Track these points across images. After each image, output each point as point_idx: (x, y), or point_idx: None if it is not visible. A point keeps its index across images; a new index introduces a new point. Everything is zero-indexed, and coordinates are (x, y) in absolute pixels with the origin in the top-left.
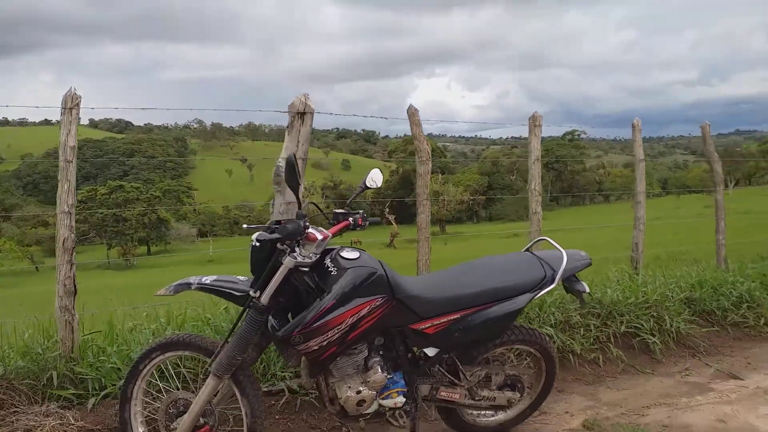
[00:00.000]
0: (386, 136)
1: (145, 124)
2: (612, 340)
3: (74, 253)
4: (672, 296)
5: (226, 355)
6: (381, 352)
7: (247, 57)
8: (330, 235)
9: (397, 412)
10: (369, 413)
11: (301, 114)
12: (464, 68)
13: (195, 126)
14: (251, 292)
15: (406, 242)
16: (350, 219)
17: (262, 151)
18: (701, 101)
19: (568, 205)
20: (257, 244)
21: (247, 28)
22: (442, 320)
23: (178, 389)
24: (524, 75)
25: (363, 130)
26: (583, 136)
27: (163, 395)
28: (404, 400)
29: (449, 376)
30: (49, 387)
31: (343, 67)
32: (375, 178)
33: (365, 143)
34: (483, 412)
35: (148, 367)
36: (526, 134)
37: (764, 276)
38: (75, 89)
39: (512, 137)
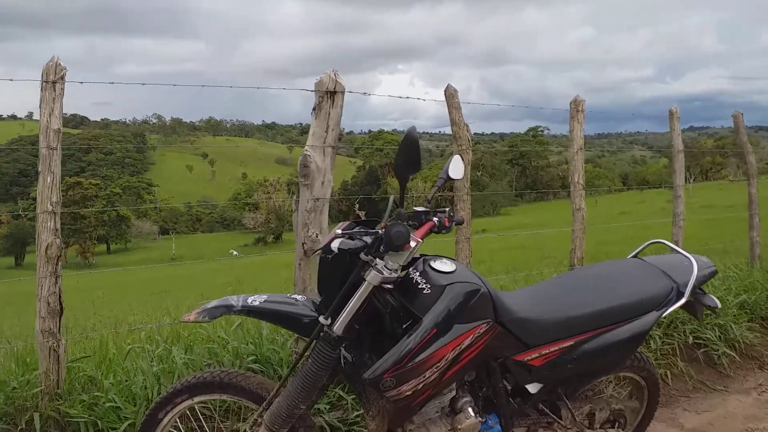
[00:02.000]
0: (350, 132)
1: (101, 119)
2: (677, 353)
3: (59, 264)
4: (728, 301)
5: (285, 403)
6: (471, 390)
7: (203, 52)
8: (420, 241)
9: None
10: None
11: (332, 93)
12: (426, 64)
13: (154, 121)
14: (321, 319)
15: None
16: (435, 219)
17: (224, 147)
18: (656, 98)
19: (532, 201)
20: (326, 256)
21: (203, 23)
22: (553, 348)
23: None
24: (485, 72)
25: None
26: (546, 132)
27: None
28: None
29: (553, 416)
30: None
31: (304, 63)
32: (458, 165)
33: None
34: None
35: (170, 416)
36: (488, 130)
37: None
38: (58, 58)
39: (475, 133)
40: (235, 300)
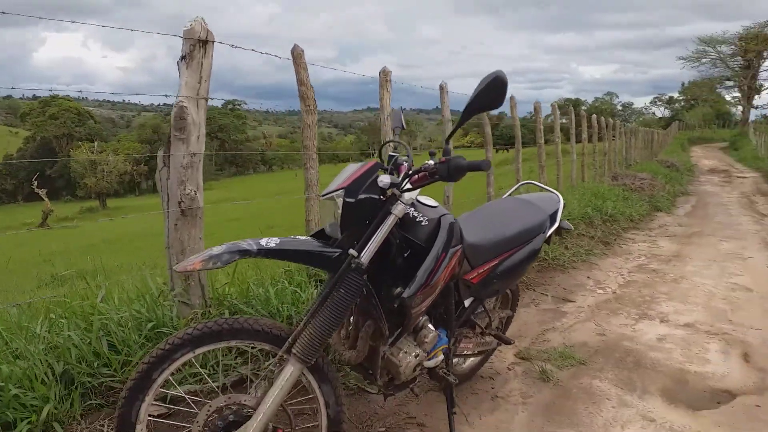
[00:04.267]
0: (8, 96)
1: None
2: None
3: None
4: None
5: (317, 333)
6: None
7: None
8: None
9: (441, 371)
10: (416, 377)
11: (203, 42)
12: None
13: None
14: (352, 251)
15: (60, 221)
16: (404, 162)
17: None
18: (338, 80)
19: (233, 175)
20: (355, 197)
21: None
22: (485, 267)
23: (214, 391)
24: (171, 40)
25: None
26: (243, 106)
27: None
28: (443, 357)
29: (481, 326)
30: None
31: None
32: (401, 116)
33: None
34: (457, 360)
35: (165, 374)
36: (171, 101)
37: None
38: None
39: (164, 104)
40: (247, 244)
